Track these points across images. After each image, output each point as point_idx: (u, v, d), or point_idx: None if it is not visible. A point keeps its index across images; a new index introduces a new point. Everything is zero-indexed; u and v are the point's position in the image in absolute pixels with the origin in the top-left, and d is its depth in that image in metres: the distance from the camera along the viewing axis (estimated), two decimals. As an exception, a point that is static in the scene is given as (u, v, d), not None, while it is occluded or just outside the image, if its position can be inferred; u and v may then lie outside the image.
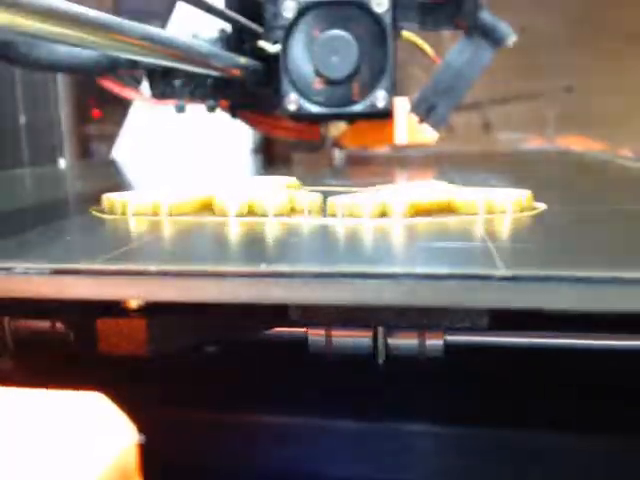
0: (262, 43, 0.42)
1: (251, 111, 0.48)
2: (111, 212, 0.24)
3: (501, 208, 0.22)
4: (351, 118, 0.44)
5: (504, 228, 0.21)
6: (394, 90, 0.42)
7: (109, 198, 0.24)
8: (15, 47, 0.41)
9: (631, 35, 0.75)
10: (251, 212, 0.23)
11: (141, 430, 0.10)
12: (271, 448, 0.18)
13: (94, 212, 0.24)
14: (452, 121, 0.80)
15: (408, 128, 0.45)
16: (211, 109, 0.46)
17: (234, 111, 0.48)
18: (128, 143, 0.74)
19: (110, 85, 0.46)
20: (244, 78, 0.44)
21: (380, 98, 0.41)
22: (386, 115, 0.43)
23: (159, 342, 0.20)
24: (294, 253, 0.18)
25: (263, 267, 0.15)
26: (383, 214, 0.22)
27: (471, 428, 0.18)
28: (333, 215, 0.22)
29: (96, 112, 0.89)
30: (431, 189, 0.22)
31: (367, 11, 0.40)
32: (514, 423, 0.18)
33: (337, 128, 0.45)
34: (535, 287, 0.14)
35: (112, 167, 0.59)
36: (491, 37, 0.42)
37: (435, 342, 0.19)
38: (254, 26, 0.42)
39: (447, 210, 0.23)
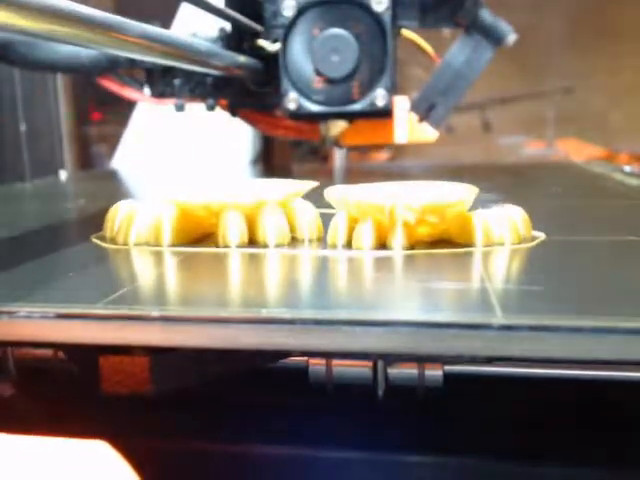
0: (262, 42, 0.42)
1: (251, 110, 0.48)
2: (112, 241, 0.24)
3: (500, 239, 0.22)
4: (351, 117, 0.44)
5: (502, 265, 0.21)
6: (394, 89, 0.42)
7: (110, 227, 0.24)
8: (15, 48, 0.41)
9: (631, 36, 0.75)
10: (253, 241, 0.23)
11: (141, 463, 0.10)
12: (271, 479, 0.18)
13: (95, 240, 0.25)
14: (452, 122, 0.80)
15: (408, 127, 0.44)
16: (211, 108, 0.46)
17: (234, 110, 0.48)
18: (129, 152, 0.74)
19: (110, 85, 0.46)
20: (244, 77, 0.44)
21: (380, 97, 0.41)
22: (386, 114, 0.42)
23: (161, 378, 0.20)
24: (294, 294, 0.18)
25: (264, 313, 0.15)
26: (382, 245, 0.22)
27: (471, 459, 0.18)
28: (334, 245, 0.23)
29: (96, 114, 0.90)
30: (433, 191, 0.22)
31: (367, 10, 0.40)
32: (514, 454, 0.18)
33: (337, 127, 0.45)
34: (534, 336, 0.14)
35: (113, 179, 0.59)
36: (491, 36, 0.42)
37: (434, 373, 0.19)
38: (254, 25, 0.42)
39: (446, 238, 0.23)
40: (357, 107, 0.41)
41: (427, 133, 0.45)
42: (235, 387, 0.21)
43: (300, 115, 0.42)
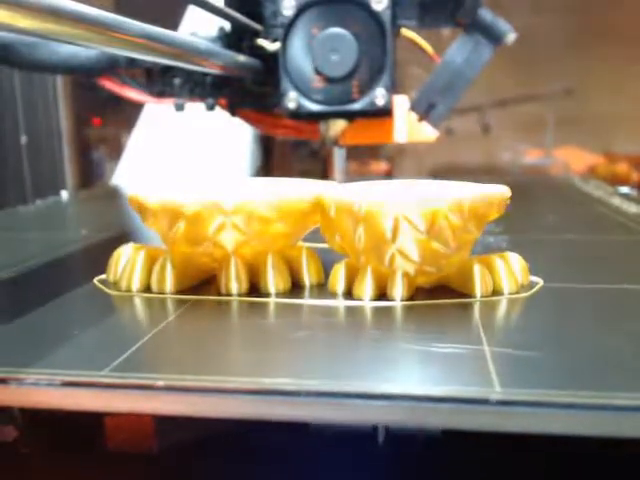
0: (261, 41, 0.42)
1: (250, 110, 0.48)
2: (115, 286, 0.24)
3: (499, 289, 0.23)
4: (351, 116, 0.44)
5: (500, 322, 0.21)
6: (394, 88, 0.42)
7: (113, 271, 0.25)
8: (14, 49, 0.41)
9: (631, 37, 0.75)
10: (255, 285, 0.24)
11: None
12: None
13: (98, 284, 0.25)
14: (451, 124, 0.80)
15: (408, 126, 0.45)
16: (210, 108, 0.46)
17: (233, 110, 0.48)
18: (129, 168, 0.74)
19: (110, 85, 0.46)
20: (243, 77, 0.44)
21: (379, 96, 0.41)
22: (386, 113, 0.42)
23: (165, 437, 0.20)
24: (296, 359, 0.18)
25: (267, 382, 0.16)
26: (382, 293, 0.22)
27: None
28: (334, 293, 0.23)
29: (96, 120, 0.90)
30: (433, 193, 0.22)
31: (366, 9, 0.40)
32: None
33: (336, 127, 0.45)
34: (532, 413, 0.14)
35: (114, 199, 0.59)
36: (490, 35, 0.42)
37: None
38: (253, 24, 0.42)
39: (445, 283, 0.24)
40: (357, 106, 0.41)
41: (427, 132, 0.45)
42: (235, 433, 0.21)
43: (300, 114, 0.42)
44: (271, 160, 0.72)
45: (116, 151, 0.84)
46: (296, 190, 0.24)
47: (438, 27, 0.43)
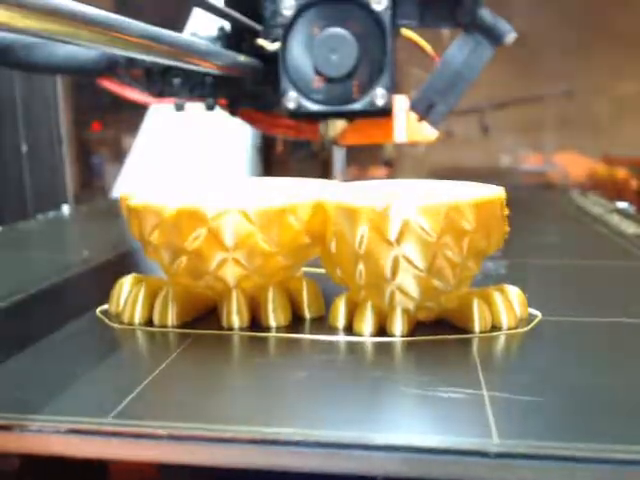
0: (261, 41, 0.42)
1: (250, 109, 0.48)
2: (118, 318, 0.25)
3: (497, 322, 0.23)
4: (350, 116, 0.44)
5: (499, 362, 0.21)
6: (394, 88, 0.42)
7: (116, 302, 0.25)
8: (14, 51, 0.41)
9: (631, 39, 0.75)
10: (256, 318, 0.24)
11: None
12: None
13: (100, 315, 0.25)
14: (451, 125, 0.80)
15: (407, 126, 0.44)
16: (210, 108, 0.46)
17: (233, 109, 0.48)
18: (129, 181, 0.75)
19: (110, 85, 0.46)
20: (243, 76, 0.44)
21: (379, 96, 0.41)
22: (386, 113, 0.42)
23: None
24: (296, 406, 0.18)
25: (267, 432, 0.16)
26: (382, 328, 0.23)
27: None
28: (335, 327, 0.23)
29: (96, 124, 0.90)
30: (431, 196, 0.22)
31: (366, 9, 0.40)
32: None
33: (336, 126, 0.45)
34: (530, 465, 0.14)
35: (115, 215, 0.58)
36: (491, 35, 0.42)
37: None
38: (253, 24, 0.42)
39: (445, 317, 0.24)
40: (357, 106, 0.41)
41: (426, 132, 0.45)
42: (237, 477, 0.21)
43: (300, 114, 0.42)
44: (270, 163, 0.72)
45: (116, 154, 0.85)
46: (298, 206, 0.23)
47: (438, 27, 0.43)
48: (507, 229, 0.23)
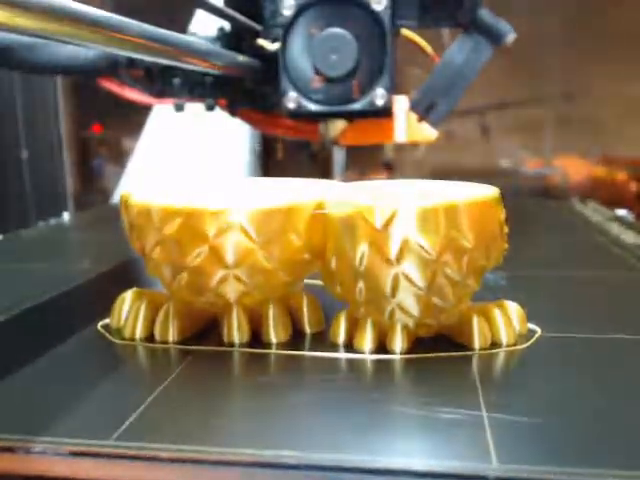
0: (261, 41, 0.42)
1: (250, 109, 0.48)
2: (119, 333, 0.25)
3: (497, 338, 0.23)
4: (350, 116, 0.44)
5: (499, 380, 0.21)
6: (393, 88, 0.42)
7: (117, 317, 0.25)
8: (14, 52, 0.41)
9: (631, 39, 0.75)
10: (257, 334, 0.24)
11: None
12: None
13: (101, 330, 0.25)
14: (450, 126, 0.80)
15: (407, 126, 0.45)
16: (210, 108, 0.46)
17: (233, 110, 0.48)
18: (131, 185, 0.75)
19: (110, 85, 0.46)
20: (243, 76, 0.44)
21: (379, 96, 0.41)
22: (386, 113, 0.42)
23: None
24: (295, 425, 0.18)
25: (268, 455, 0.16)
26: (382, 344, 0.23)
27: None
28: (335, 344, 0.23)
29: (96, 126, 0.90)
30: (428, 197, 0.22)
31: (366, 9, 0.40)
32: None
33: (336, 126, 0.45)
34: None
35: (115, 222, 0.58)
36: (490, 35, 0.42)
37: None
38: (253, 24, 0.42)
39: (445, 333, 0.24)
40: (357, 106, 0.41)
41: (426, 132, 0.45)
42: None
43: (299, 114, 0.42)
44: (269, 166, 0.72)
45: (117, 156, 0.84)
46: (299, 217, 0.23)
47: (438, 27, 0.43)
48: (506, 246, 0.23)
